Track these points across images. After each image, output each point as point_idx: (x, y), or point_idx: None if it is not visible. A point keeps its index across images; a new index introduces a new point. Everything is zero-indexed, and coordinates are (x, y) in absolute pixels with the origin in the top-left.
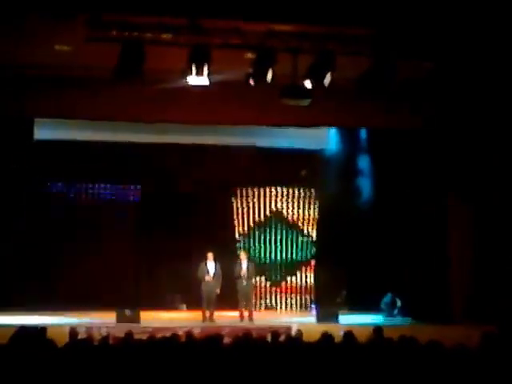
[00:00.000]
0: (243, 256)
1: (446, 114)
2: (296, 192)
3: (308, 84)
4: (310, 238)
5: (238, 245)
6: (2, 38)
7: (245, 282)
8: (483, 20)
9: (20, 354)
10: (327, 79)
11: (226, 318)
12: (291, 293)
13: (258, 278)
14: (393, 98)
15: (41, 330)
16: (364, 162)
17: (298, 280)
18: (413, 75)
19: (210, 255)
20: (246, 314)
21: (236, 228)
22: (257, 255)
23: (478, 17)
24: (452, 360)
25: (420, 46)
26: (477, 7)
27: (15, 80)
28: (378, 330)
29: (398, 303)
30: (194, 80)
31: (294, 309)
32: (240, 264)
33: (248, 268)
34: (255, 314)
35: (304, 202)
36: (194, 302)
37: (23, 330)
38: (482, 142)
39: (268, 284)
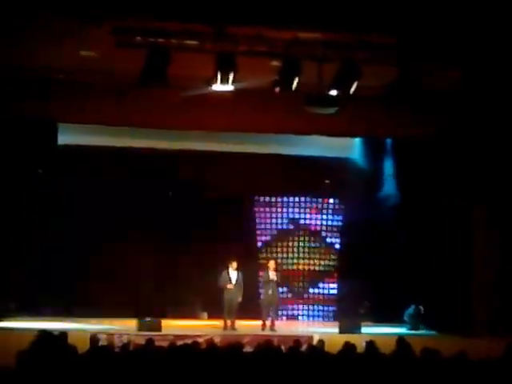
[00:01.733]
0: (271, 265)
1: (473, 123)
2: (319, 201)
3: (333, 92)
4: (334, 248)
5: (260, 254)
6: (29, 43)
7: (271, 291)
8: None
9: (41, 358)
10: (353, 88)
11: (248, 326)
12: (314, 303)
13: (280, 288)
14: (419, 107)
15: (61, 336)
16: (389, 171)
17: (321, 290)
18: (439, 85)
19: (233, 263)
20: (268, 323)
21: (258, 237)
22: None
23: (503, 24)
24: (476, 372)
25: (446, 54)
26: (503, 14)
27: (41, 84)
28: (401, 340)
29: (422, 311)
30: (219, 87)
31: (316, 319)
32: (267, 272)
33: (275, 277)
34: (277, 324)
35: (327, 212)
36: (215, 311)
37: (44, 334)
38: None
39: (290, 294)
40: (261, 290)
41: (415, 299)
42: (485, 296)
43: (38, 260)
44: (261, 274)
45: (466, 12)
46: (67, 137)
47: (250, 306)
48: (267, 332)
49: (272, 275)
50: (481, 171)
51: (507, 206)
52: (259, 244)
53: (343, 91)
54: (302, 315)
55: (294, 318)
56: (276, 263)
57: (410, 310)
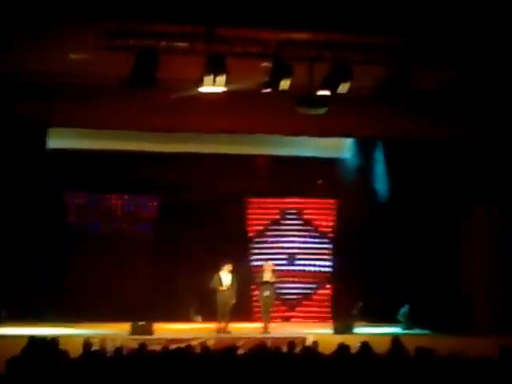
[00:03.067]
0: (268, 267)
1: (466, 123)
2: (313, 202)
3: (324, 93)
4: (327, 249)
5: (253, 255)
6: (18, 46)
7: (267, 293)
8: (504, 27)
9: (32, 364)
10: (344, 88)
11: (242, 329)
12: (307, 304)
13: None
14: (410, 108)
15: (52, 341)
16: (381, 171)
17: (314, 291)
18: (432, 85)
19: (227, 266)
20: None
21: (251, 238)
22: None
23: (498, 24)
24: (470, 372)
25: (440, 54)
26: (498, 14)
27: (30, 88)
28: (395, 340)
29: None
30: (208, 89)
31: (310, 320)
32: (263, 274)
33: (271, 279)
34: (271, 326)
35: (321, 212)
36: (209, 314)
37: (35, 340)
38: (505, 153)
39: (283, 295)
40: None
41: (409, 299)
42: (480, 295)
43: (28, 266)
44: (256, 275)
45: (457, 12)
46: (56, 141)
47: (244, 309)
48: (262, 334)
49: (268, 277)
50: (476, 169)
51: (505, 204)
52: (252, 245)
53: (334, 92)
54: (296, 316)
55: (288, 319)
56: (272, 264)
57: (404, 309)
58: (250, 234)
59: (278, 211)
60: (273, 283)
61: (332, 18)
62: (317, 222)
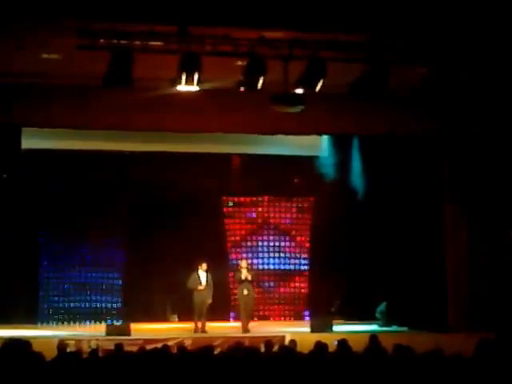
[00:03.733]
0: (244, 264)
1: (441, 119)
2: (289, 200)
3: (299, 91)
4: (304, 247)
5: (230, 254)
6: None
7: (246, 291)
8: (477, 24)
9: (5, 367)
10: (319, 86)
11: (219, 328)
12: (284, 302)
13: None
14: (386, 105)
15: (26, 343)
16: (358, 169)
17: (292, 289)
18: (406, 81)
19: (203, 265)
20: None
21: (228, 237)
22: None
23: (470, 21)
24: (448, 368)
25: (413, 51)
26: (469, 11)
27: (3, 88)
28: (373, 338)
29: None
30: (184, 88)
31: (287, 318)
32: (240, 272)
33: (249, 277)
34: (249, 325)
35: (297, 210)
36: (185, 313)
37: (9, 342)
38: (480, 149)
39: (261, 294)
40: (236, 291)
41: (387, 296)
42: (457, 292)
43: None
44: (231, 274)
45: (433, 9)
46: (31, 141)
47: (221, 308)
48: (240, 333)
49: (245, 275)
50: (454, 168)
51: (480, 202)
52: (229, 244)
53: (309, 89)
54: (273, 315)
55: (265, 318)
56: (247, 263)
57: (382, 306)
58: (227, 233)
59: (254, 209)
60: (251, 281)
61: (305, 16)
62: (293, 220)
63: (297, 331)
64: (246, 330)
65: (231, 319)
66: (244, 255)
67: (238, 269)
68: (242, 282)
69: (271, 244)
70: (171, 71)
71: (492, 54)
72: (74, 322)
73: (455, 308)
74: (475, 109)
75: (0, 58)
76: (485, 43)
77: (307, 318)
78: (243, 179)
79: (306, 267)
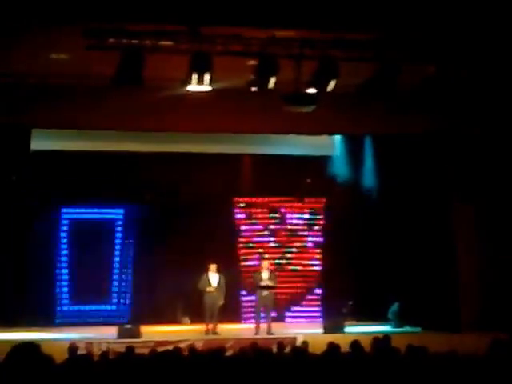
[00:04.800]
0: (265, 265)
1: (450, 117)
2: (302, 200)
3: (311, 91)
4: (317, 247)
5: (241, 256)
6: None
7: (266, 292)
8: (485, 22)
9: (16, 371)
10: (331, 86)
11: (231, 330)
12: (297, 303)
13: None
14: (397, 104)
15: (34, 347)
16: (371, 169)
17: (304, 290)
18: (417, 80)
19: (213, 266)
20: (263, 326)
21: (240, 238)
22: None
23: (479, 19)
24: (463, 369)
25: (423, 49)
26: (478, 9)
27: (12, 89)
28: (385, 339)
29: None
30: (194, 88)
31: (300, 319)
32: (260, 273)
33: (269, 278)
34: (262, 326)
35: (309, 211)
36: (197, 315)
37: (19, 346)
38: (490, 149)
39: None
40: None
41: (399, 297)
42: (471, 292)
43: (8, 267)
44: (253, 275)
45: (443, 9)
46: (40, 142)
47: (233, 309)
48: (257, 335)
49: (265, 276)
50: (464, 168)
51: (492, 204)
52: (240, 246)
53: (321, 89)
54: (286, 316)
55: (277, 319)
56: (269, 263)
57: (394, 307)
58: (238, 234)
59: (266, 210)
60: (271, 284)
61: (316, 15)
62: (306, 221)
63: (309, 332)
64: (269, 331)
65: (243, 321)
66: (255, 256)
67: (258, 269)
68: (261, 287)
69: (283, 245)
70: (182, 71)
71: (492, 53)
72: (85, 325)
73: (468, 308)
74: (479, 108)
75: (10, 58)
76: (485, 43)
77: (320, 319)
78: (255, 180)
79: (318, 268)
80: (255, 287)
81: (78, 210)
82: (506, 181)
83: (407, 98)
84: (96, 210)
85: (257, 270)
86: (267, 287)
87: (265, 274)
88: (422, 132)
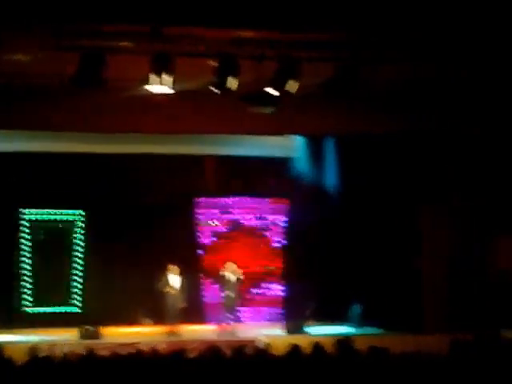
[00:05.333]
0: (230, 266)
1: (413, 117)
2: (263, 201)
3: (272, 91)
4: (278, 248)
5: (202, 256)
6: None
7: (229, 293)
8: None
9: None
10: (292, 86)
11: (193, 331)
12: (259, 305)
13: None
14: (359, 104)
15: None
16: (332, 169)
17: (266, 292)
18: (378, 80)
19: (173, 268)
20: (228, 326)
21: (201, 239)
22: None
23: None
24: (423, 369)
25: (385, 49)
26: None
27: None
28: (346, 341)
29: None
30: (155, 89)
31: (261, 321)
32: (225, 274)
33: (233, 279)
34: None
35: (272, 212)
36: (159, 317)
37: None
38: (454, 146)
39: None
40: (222, 293)
41: (360, 298)
42: (433, 292)
43: None
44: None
45: (405, 7)
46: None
47: (196, 310)
48: (222, 337)
49: (229, 276)
50: (427, 167)
51: (454, 204)
52: (202, 246)
53: (282, 89)
54: (247, 318)
55: (240, 320)
56: (233, 265)
57: (356, 308)
58: (200, 235)
59: (227, 211)
60: (236, 281)
61: (277, 16)
62: (267, 222)
63: (271, 334)
64: (232, 332)
65: (206, 322)
66: (217, 257)
67: (222, 269)
68: (226, 283)
69: (245, 246)
70: (144, 72)
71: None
72: (46, 327)
73: (431, 309)
74: (450, 105)
75: None
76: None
77: (282, 321)
78: (216, 181)
79: (280, 270)
80: (220, 287)
81: (37, 212)
82: (471, 182)
83: (369, 97)
84: (55, 212)
85: (222, 269)
86: (230, 282)
87: (229, 275)
88: (384, 132)
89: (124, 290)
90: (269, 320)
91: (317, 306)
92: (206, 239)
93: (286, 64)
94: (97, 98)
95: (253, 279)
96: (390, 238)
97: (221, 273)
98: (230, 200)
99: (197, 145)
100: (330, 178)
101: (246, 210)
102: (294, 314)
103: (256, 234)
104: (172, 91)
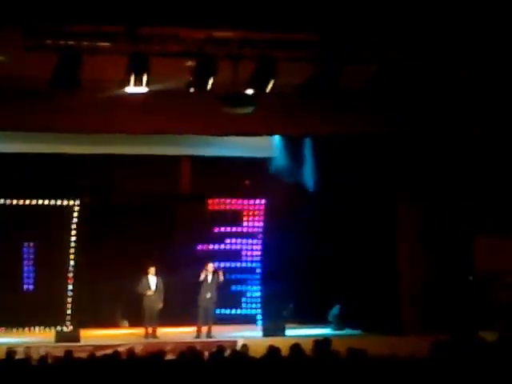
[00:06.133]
0: (209, 268)
1: (392, 116)
2: (241, 202)
3: (250, 91)
4: (256, 250)
5: (180, 257)
6: None
7: (209, 295)
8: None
9: None
10: (269, 86)
11: (171, 334)
12: (236, 306)
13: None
14: (338, 104)
15: None
16: (310, 170)
17: (244, 293)
18: (357, 81)
19: (152, 269)
20: (204, 328)
21: (179, 241)
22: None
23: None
24: (403, 371)
25: (363, 49)
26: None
27: None
28: (325, 342)
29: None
30: (132, 89)
31: (239, 323)
32: (206, 276)
33: (213, 280)
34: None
35: (249, 212)
36: (136, 318)
37: None
38: (431, 146)
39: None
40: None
41: (339, 299)
42: (412, 294)
43: None
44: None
45: (377, 8)
46: None
47: (173, 312)
48: (194, 338)
49: (208, 277)
50: (405, 168)
51: (431, 204)
52: (179, 248)
53: (260, 90)
54: (225, 319)
55: (217, 322)
56: (213, 266)
57: (334, 310)
58: (178, 237)
59: (205, 212)
60: (216, 284)
61: (254, 15)
62: (245, 223)
63: (249, 336)
64: (209, 334)
65: (183, 324)
66: (193, 258)
67: (202, 271)
68: (205, 285)
69: (222, 247)
70: (121, 73)
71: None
72: (23, 328)
73: (409, 310)
74: (429, 103)
75: None
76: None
77: (259, 322)
78: (194, 181)
79: (258, 270)
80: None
81: None
82: (451, 183)
83: (348, 98)
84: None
85: (202, 271)
86: (209, 284)
87: (209, 277)
88: (362, 132)
89: (102, 291)
90: (247, 321)
91: (295, 307)
92: (184, 240)
93: (263, 64)
94: (74, 98)
95: (231, 280)
96: (368, 238)
97: (201, 275)
98: (206, 201)
99: (174, 146)
100: (308, 178)
101: (223, 211)
102: (272, 315)
103: (233, 234)
104: (149, 91)
